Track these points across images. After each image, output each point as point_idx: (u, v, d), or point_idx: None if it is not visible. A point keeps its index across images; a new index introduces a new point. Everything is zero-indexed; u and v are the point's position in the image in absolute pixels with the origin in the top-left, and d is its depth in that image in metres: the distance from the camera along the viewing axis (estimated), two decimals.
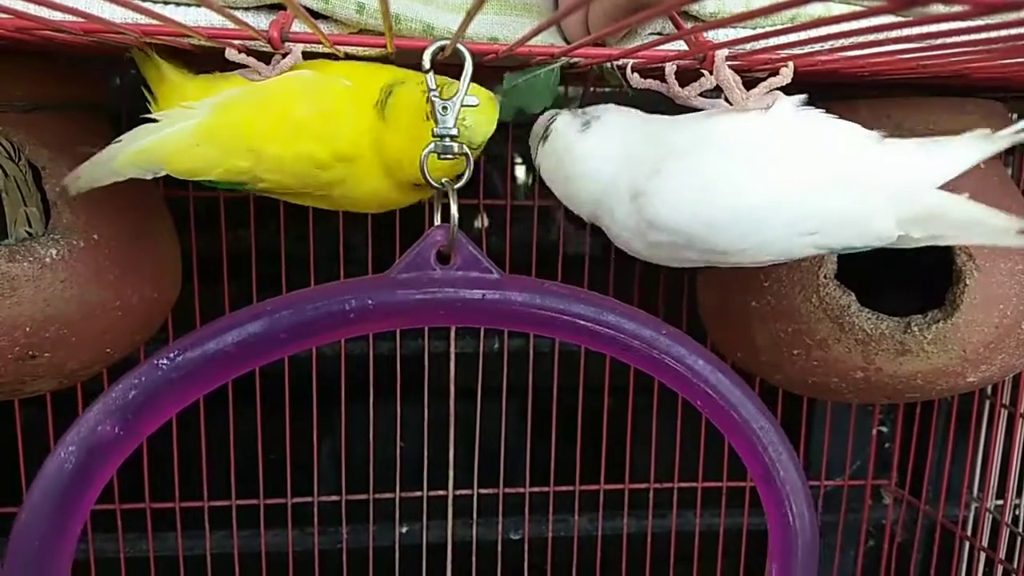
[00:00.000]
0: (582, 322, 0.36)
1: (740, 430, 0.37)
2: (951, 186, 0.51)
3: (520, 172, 0.90)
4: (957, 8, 0.19)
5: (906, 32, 0.34)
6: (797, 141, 0.37)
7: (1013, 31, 0.27)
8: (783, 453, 0.37)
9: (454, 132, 0.36)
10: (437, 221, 0.37)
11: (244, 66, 0.39)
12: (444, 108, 0.36)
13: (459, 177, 0.37)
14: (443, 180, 0.37)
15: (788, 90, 0.38)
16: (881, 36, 0.33)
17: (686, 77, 0.38)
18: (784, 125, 0.37)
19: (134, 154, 0.40)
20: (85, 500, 0.31)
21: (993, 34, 0.28)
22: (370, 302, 0.33)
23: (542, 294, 0.36)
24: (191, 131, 0.39)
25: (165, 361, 0.32)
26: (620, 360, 0.38)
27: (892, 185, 0.37)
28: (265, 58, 0.39)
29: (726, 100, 0.38)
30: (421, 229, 0.36)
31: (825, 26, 0.26)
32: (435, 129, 0.36)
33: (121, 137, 0.40)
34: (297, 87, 0.39)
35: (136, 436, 0.32)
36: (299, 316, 0.33)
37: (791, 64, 0.38)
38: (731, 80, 0.37)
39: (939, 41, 0.36)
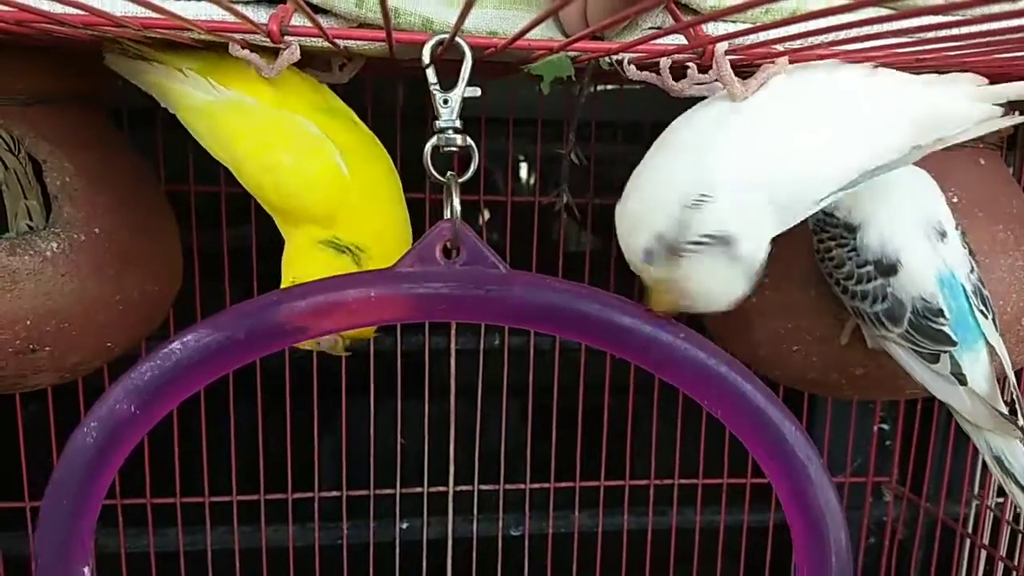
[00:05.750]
0: (593, 322, 0.35)
1: (765, 440, 0.35)
2: (959, 194, 0.51)
3: (522, 169, 0.90)
4: None
5: (905, 24, 0.34)
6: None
7: (1012, 23, 0.27)
8: (815, 465, 0.34)
9: (457, 124, 0.36)
10: (447, 214, 0.37)
11: None
12: (445, 101, 0.36)
13: (463, 171, 0.37)
14: (448, 174, 0.37)
15: None
16: (881, 29, 0.33)
17: (683, 72, 0.38)
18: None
19: (143, 72, 0.41)
20: (106, 472, 0.34)
21: (992, 26, 0.28)
22: (372, 294, 0.33)
23: (548, 291, 0.35)
24: (200, 104, 0.40)
25: (179, 346, 0.33)
26: (629, 361, 0.37)
27: None
28: (266, 52, 0.39)
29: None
30: (423, 228, 0.36)
31: (823, 18, 0.26)
32: (438, 122, 0.36)
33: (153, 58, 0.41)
34: (309, 142, 0.41)
35: (151, 416, 0.33)
36: (303, 307, 0.33)
37: (787, 57, 0.38)
38: (731, 75, 0.37)
39: (941, 34, 0.36)
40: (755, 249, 0.34)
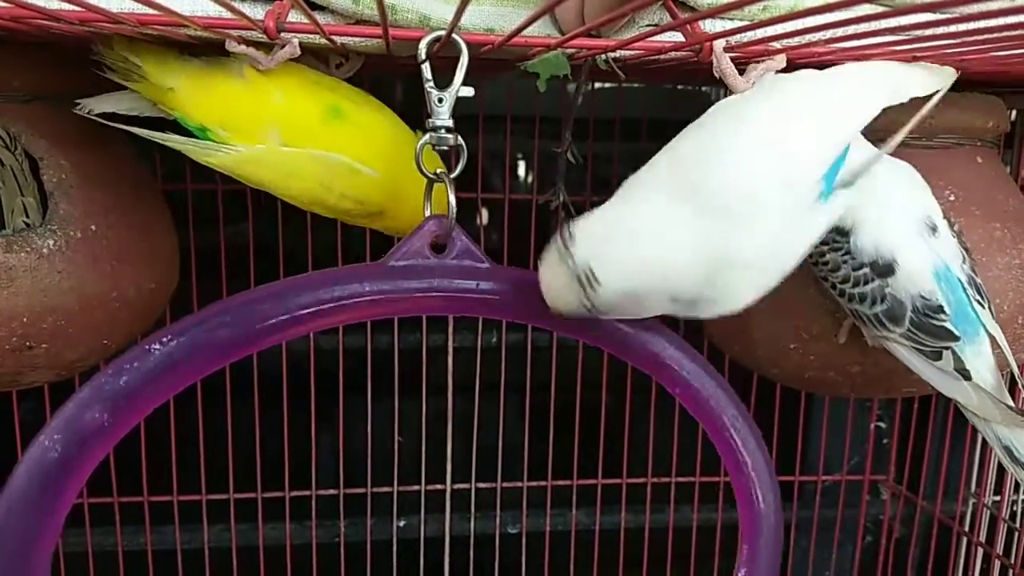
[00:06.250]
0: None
1: (712, 419, 0.39)
2: (956, 192, 0.51)
3: (520, 167, 0.90)
4: None
5: (902, 22, 0.34)
6: None
7: (1010, 19, 0.27)
8: (751, 440, 0.39)
9: (449, 123, 0.36)
10: (427, 212, 0.37)
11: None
12: (440, 99, 0.36)
13: (455, 167, 0.37)
14: (438, 171, 0.37)
15: None
16: (878, 26, 0.33)
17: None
18: None
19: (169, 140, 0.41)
20: (69, 489, 0.30)
21: (990, 23, 0.28)
22: (362, 289, 0.33)
23: (535, 285, 0.36)
24: (221, 163, 0.41)
25: (157, 346, 0.31)
26: (606, 352, 0.38)
27: None
28: (263, 47, 0.39)
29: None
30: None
31: (821, 14, 0.26)
32: (430, 120, 0.36)
33: (173, 138, 0.41)
34: (335, 172, 0.42)
35: (125, 424, 0.30)
36: (290, 302, 0.33)
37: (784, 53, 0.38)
38: (731, 69, 0.37)
39: (939, 31, 0.36)
40: (589, 257, 0.32)
